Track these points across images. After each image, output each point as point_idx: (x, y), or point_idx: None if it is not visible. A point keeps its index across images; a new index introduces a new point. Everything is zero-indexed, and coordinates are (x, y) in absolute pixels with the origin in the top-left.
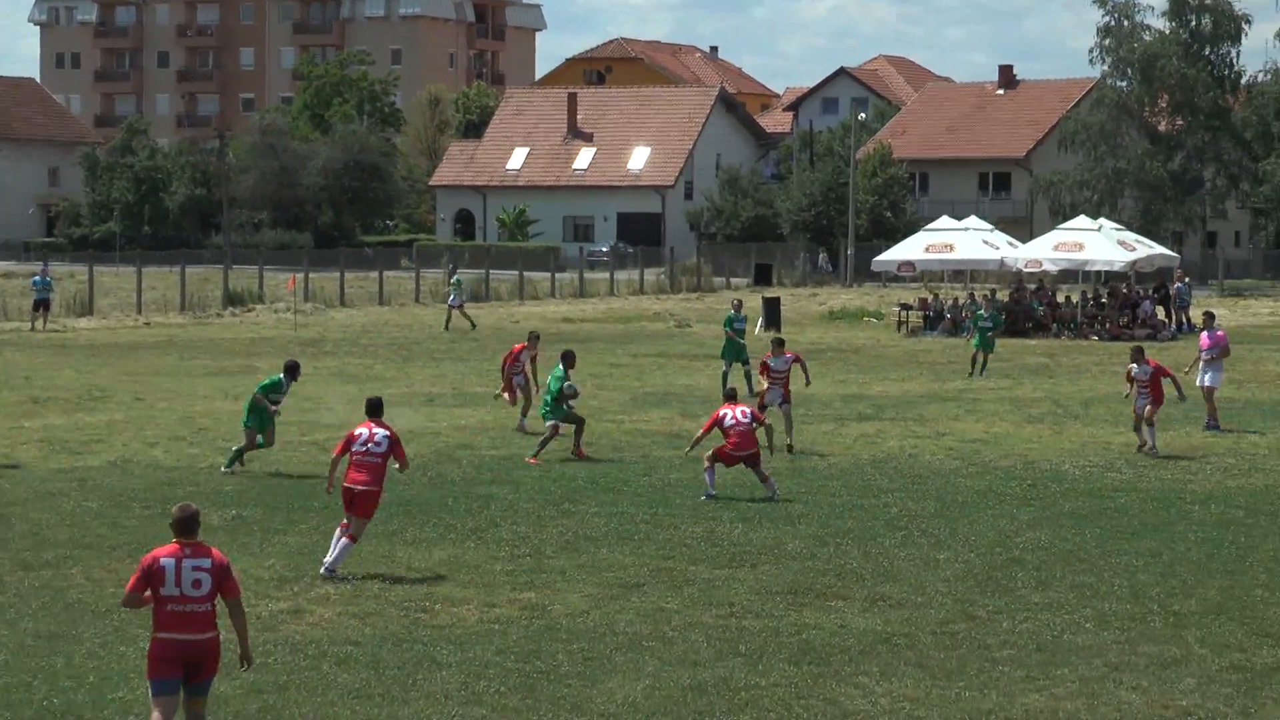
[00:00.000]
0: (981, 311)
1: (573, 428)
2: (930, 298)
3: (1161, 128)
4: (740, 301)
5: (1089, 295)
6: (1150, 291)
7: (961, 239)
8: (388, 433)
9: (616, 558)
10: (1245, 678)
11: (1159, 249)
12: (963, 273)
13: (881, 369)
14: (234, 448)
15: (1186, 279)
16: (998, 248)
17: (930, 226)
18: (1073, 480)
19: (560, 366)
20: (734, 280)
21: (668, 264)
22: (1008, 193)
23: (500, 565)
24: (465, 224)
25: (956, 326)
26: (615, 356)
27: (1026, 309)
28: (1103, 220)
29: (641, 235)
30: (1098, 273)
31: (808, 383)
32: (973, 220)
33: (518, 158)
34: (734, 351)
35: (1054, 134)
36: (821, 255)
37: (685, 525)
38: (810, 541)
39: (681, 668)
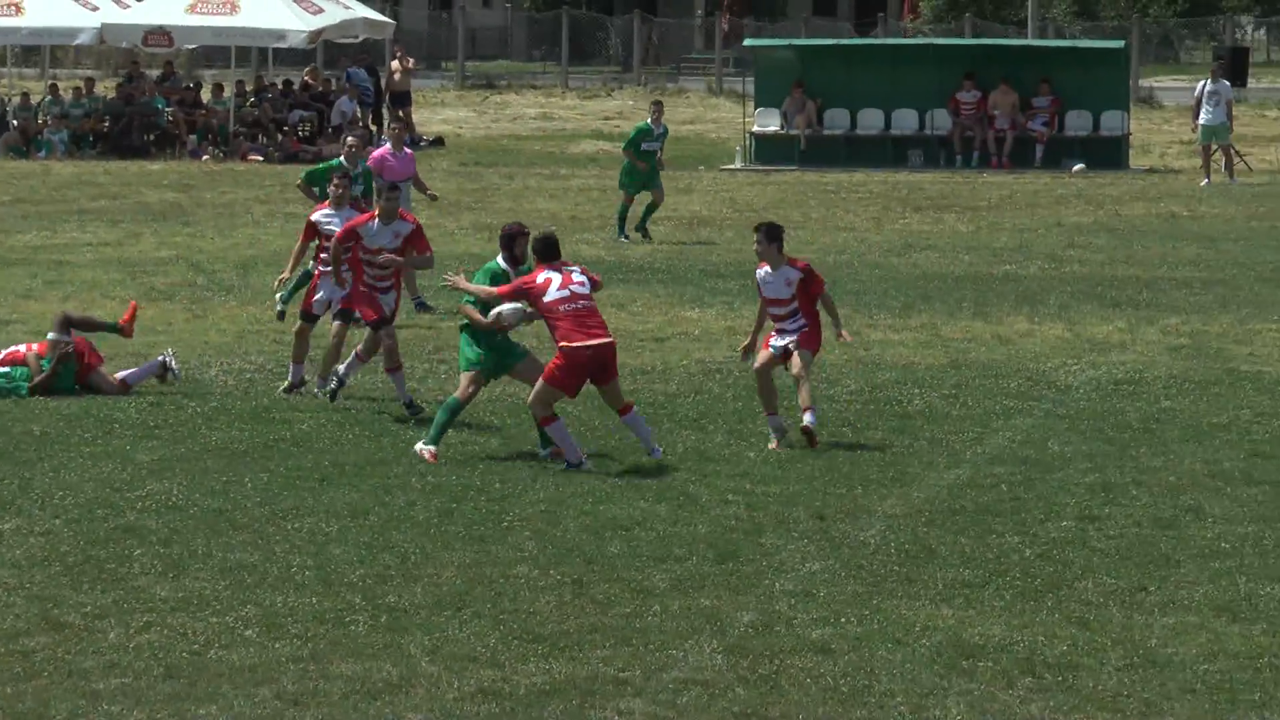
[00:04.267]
0: (648, 125)
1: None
2: None
3: None
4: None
5: (248, 87)
6: (350, 82)
7: None
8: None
9: None
10: (501, 709)
11: (364, 10)
12: (38, 50)
13: None
14: None
15: (410, 62)
16: (97, 8)
17: None
18: (225, 393)
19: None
20: None
21: None
22: None
23: None
24: None
25: (29, 138)
26: None
27: (152, 110)
28: None
29: None
30: (262, 50)
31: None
32: None
33: None
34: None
35: None
36: None
37: None
38: None
39: None
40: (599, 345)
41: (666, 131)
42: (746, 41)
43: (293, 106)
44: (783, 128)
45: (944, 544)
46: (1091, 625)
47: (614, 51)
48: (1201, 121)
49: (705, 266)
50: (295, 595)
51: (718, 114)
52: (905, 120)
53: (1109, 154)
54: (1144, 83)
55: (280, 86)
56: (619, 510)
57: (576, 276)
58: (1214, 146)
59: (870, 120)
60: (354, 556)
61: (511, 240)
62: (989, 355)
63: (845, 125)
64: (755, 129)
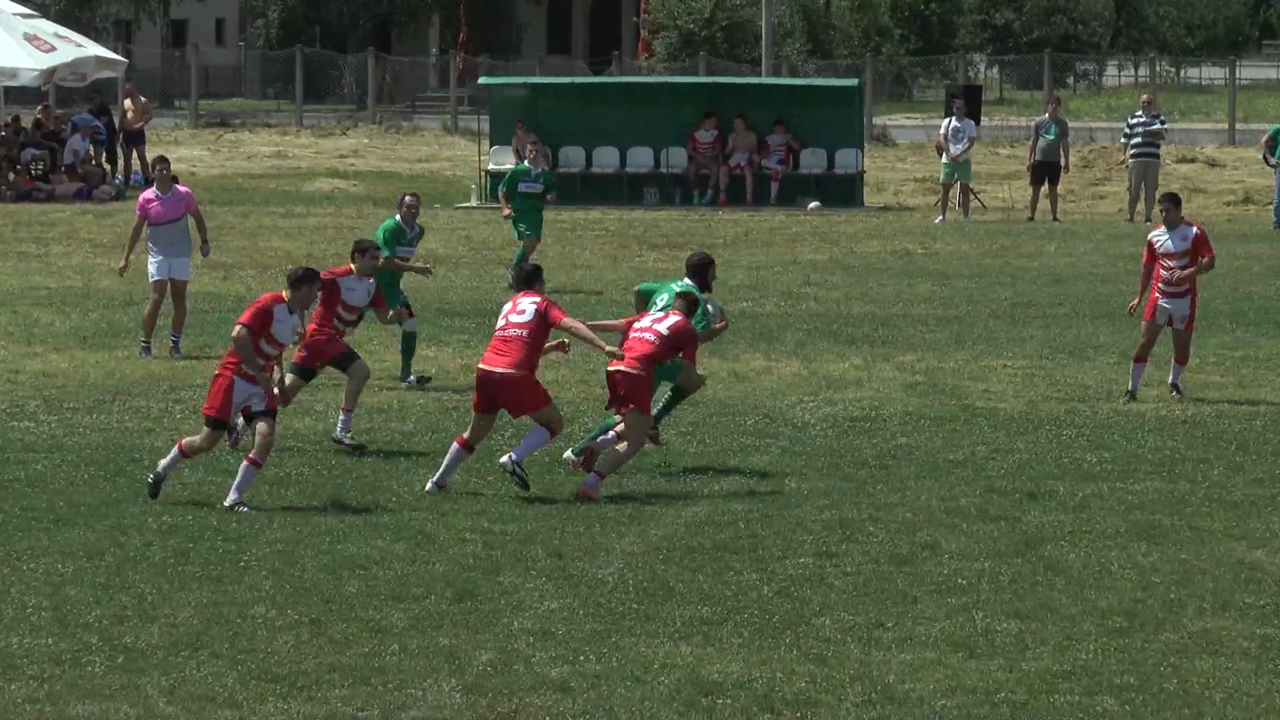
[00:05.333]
0: (525, 167)
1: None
2: None
3: None
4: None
5: None
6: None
7: None
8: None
9: None
10: None
11: (96, 48)
12: None
13: None
14: None
15: (142, 100)
16: None
17: None
18: None
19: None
20: None
21: None
22: None
23: None
24: None
25: None
26: None
27: None
28: None
29: None
30: None
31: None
32: None
33: None
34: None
35: None
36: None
37: None
38: None
39: None
40: (486, 371)
41: (547, 172)
42: (481, 79)
43: (24, 145)
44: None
45: (682, 581)
46: (829, 662)
47: (349, 90)
48: (944, 159)
49: (442, 305)
50: (31, 636)
51: (453, 152)
52: (641, 158)
53: (844, 192)
54: (878, 121)
55: (12, 124)
56: (356, 549)
57: (523, 304)
58: (954, 184)
59: (606, 158)
60: (90, 597)
61: (702, 270)
62: (726, 392)
63: (580, 163)
64: (490, 167)
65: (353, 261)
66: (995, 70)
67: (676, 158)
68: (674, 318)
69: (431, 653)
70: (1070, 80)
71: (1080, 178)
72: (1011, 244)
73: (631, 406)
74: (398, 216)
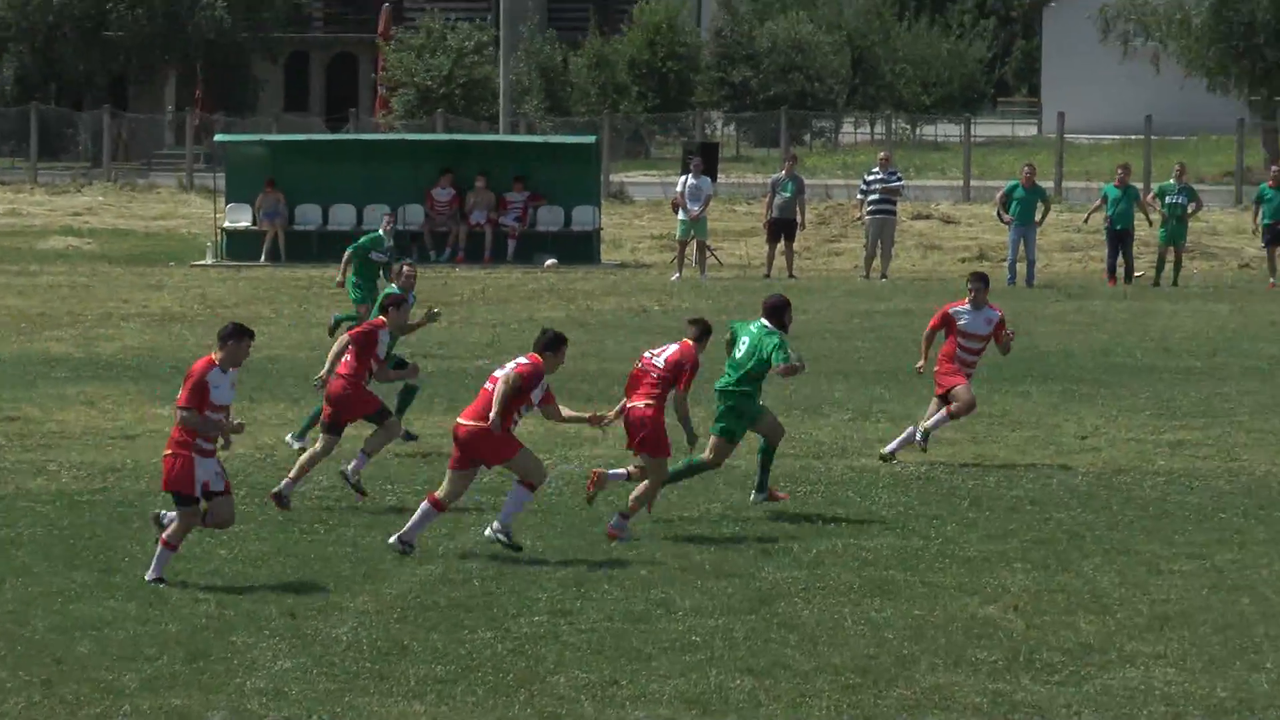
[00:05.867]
0: (380, 235)
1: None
2: None
3: None
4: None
5: None
6: None
7: None
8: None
9: None
10: None
11: None
12: None
13: None
14: None
15: None
16: None
17: None
18: None
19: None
20: None
21: None
22: None
23: None
24: None
25: None
26: None
27: None
28: None
29: None
30: None
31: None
32: None
33: None
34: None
35: None
36: None
37: None
38: None
39: None
40: (456, 424)
41: (394, 248)
42: (217, 137)
43: None
44: (255, 223)
45: (416, 640)
46: None
47: (84, 147)
48: (681, 216)
49: (176, 363)
50: None
51: (189, 209)
52: (378, 216)
53: (580, 249)
54: (615, 178)
55: None
56: (88, 609)
57: (509, 365)
58: (691, 241)
59: (343, 216)
60: None
61: (778, 311)
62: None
63: (317, 221)
64: (226, 224)
65: (385, 315)
66: (732, 127)
67: (414, 215)
68: (672, 348)
69: (164, 713)
70: (807, 137)
71: (816, 234)
72: (748, 301)
73: (645, 448)
74: (395, 286)
